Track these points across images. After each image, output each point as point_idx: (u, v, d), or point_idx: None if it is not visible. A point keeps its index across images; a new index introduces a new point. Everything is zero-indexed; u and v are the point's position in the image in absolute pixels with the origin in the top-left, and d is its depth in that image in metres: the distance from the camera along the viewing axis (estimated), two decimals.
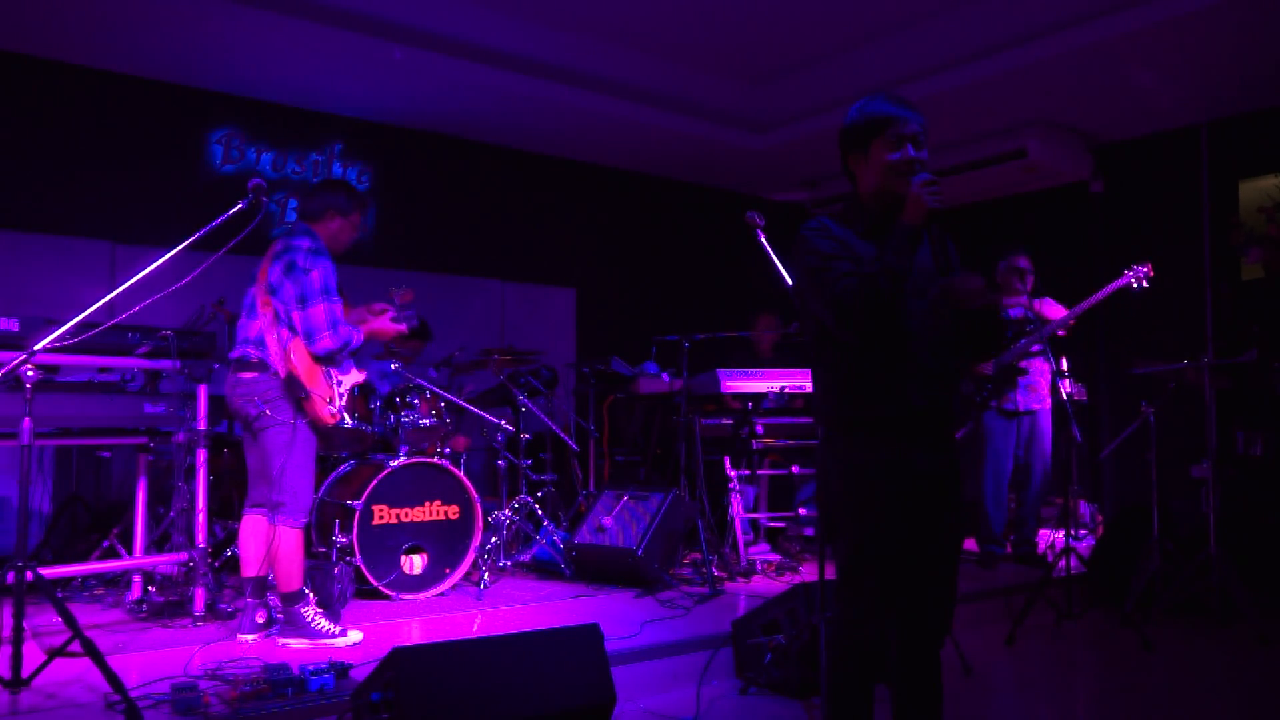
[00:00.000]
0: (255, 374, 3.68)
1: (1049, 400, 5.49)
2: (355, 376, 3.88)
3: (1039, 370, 5.45)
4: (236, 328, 3.83)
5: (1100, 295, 5.09)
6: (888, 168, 2.32)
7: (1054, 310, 5.39)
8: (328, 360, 3.72)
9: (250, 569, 3.78)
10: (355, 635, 3.73)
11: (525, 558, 5.29)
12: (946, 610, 2.36)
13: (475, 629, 4.01)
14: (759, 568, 5.28)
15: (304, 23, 5.47)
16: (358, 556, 4.30)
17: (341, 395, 3.76)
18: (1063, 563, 4.47)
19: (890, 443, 2.27)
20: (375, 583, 4.35)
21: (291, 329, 3.67)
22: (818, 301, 2.29)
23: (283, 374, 3.64)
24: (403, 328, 4.02)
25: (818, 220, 2.38)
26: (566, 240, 7.82)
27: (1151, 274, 5.00)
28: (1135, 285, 5.00)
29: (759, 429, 5.48)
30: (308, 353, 3.66)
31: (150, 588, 4.24)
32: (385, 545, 4.44)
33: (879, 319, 2.22)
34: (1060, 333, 5.21)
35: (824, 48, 6.62)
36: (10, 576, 2.89)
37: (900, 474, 2.26)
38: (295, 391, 3.63)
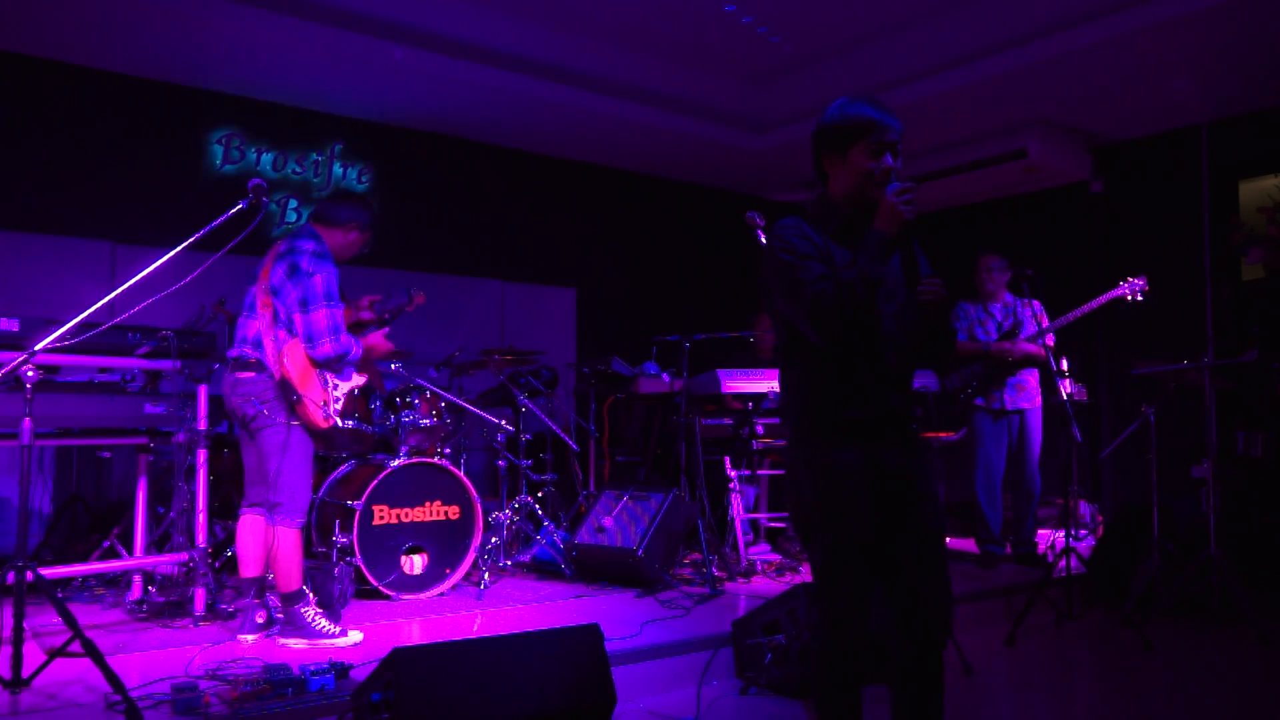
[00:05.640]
0: (253, 374, 3.68)
1: (1039, 399, 5.50)
2: (355, 380, 3.88)
3: (1027, 370, 5.45)
4: (236, 326, 3.83)
5: (1093, 305, 5.11)
6: (866, 175, 2.32)
7: (1040, 313, 5.40)
8: (326, 366, 3.72)
9: (249, 569, 3.78)
10: (355, 635, 3.73)
11: (525, 558, 5.28)
12: (944, 611, 2.35)
13: (475, 629, 4.01)
14: (759, 568, 5.28)
15: (304, 23, 5.47)
16: (358, 557, 4.30)
17: (338, 400, 3.76)
18: (1063, 563, 4.47)
19: (858, 443, 2.29)
20: (375, 583, 4.35)
21: (290, 331, 3.67)
22: (788, 302, 2.29)
23: (277, 376, 3.64)
24: (391, 346, 4.02)
25: (792, 219, 2.38)
26: (566, 240, 7.82)
27: (1147, 288, 5.04)
28: (1130, 298, 5.03)
29: (759, 429, 5.48)
30: (304, 356, 3.67)
31: (150, 588, 4.24)
32: (385, 545, 4.44)
33: (853, 326, 2.23)
34: (1049, 340, 5.20)
35: (824, 48, 6.62)
36: (10, 576, 2.89)
37: (868, 473, 2.28)
38: (288, 394, 3.64)
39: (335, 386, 3.76)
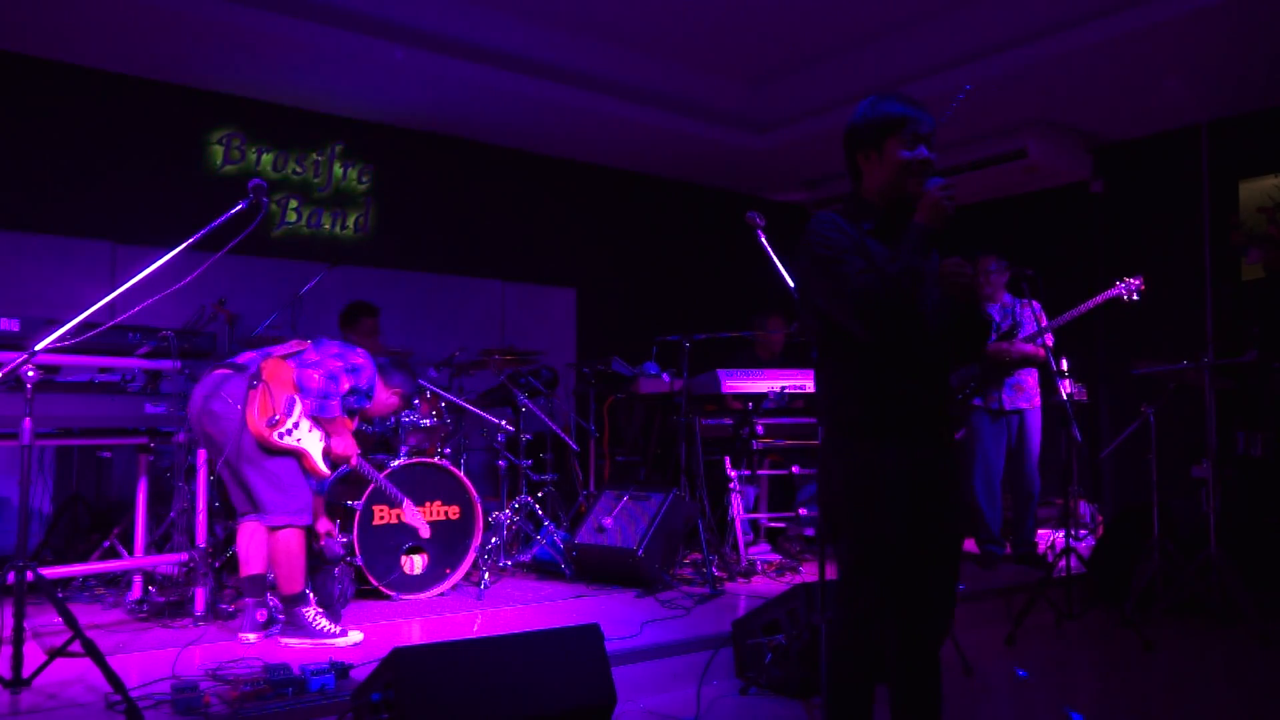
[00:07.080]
0: (230, 371, 3.70)
1: (1038, 399, 5.49)
2: (313, 436, 3.78)
3: (1025, 370, 5.45)
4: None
5: (1088, 305, 5.11)
6: (903, 166, 2.31)
7: (1039, 314, 5.40)
8: (303, 393, 3.73)
9: (250, 568, 3.78)
10: (356, 635, 3.73)
11: (525, 558, 5.28)
12: (947, 611, 2.37)
13: (475, 629, 4.01)
14: (759, 568, 5.27)
15: (304, 23, 5.47)
16: (358, 556, 4.30)
17: (290, 431, 3.69)
18: (1063, 563, 4.47)
19: (894, 443, 2.27)
20: (376, 583, 4.35)
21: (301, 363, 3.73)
22: (828, 296, 2.27)
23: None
24: (349, 454, 3.93)
25: (827, 214, 2.36)
26: (566, 240, 7.82)
27: (1143, 287, 5.04)
28: (1126, 298, 5.03)
29: (759, 429, 5.48)
30: (288, 370, 3.70)
31: (151, 588, 4.24)
32: (386, 545, 4.44)
33: (899, 318, 2.21)
34: (1049, 340, 5.20)
35: (824, 48, 6.62)
36: (11, 576, 2.89)
37: (903, 474, 2.26)
38: (250, 376, 3.64)
39: (296, 423, 3.72)
